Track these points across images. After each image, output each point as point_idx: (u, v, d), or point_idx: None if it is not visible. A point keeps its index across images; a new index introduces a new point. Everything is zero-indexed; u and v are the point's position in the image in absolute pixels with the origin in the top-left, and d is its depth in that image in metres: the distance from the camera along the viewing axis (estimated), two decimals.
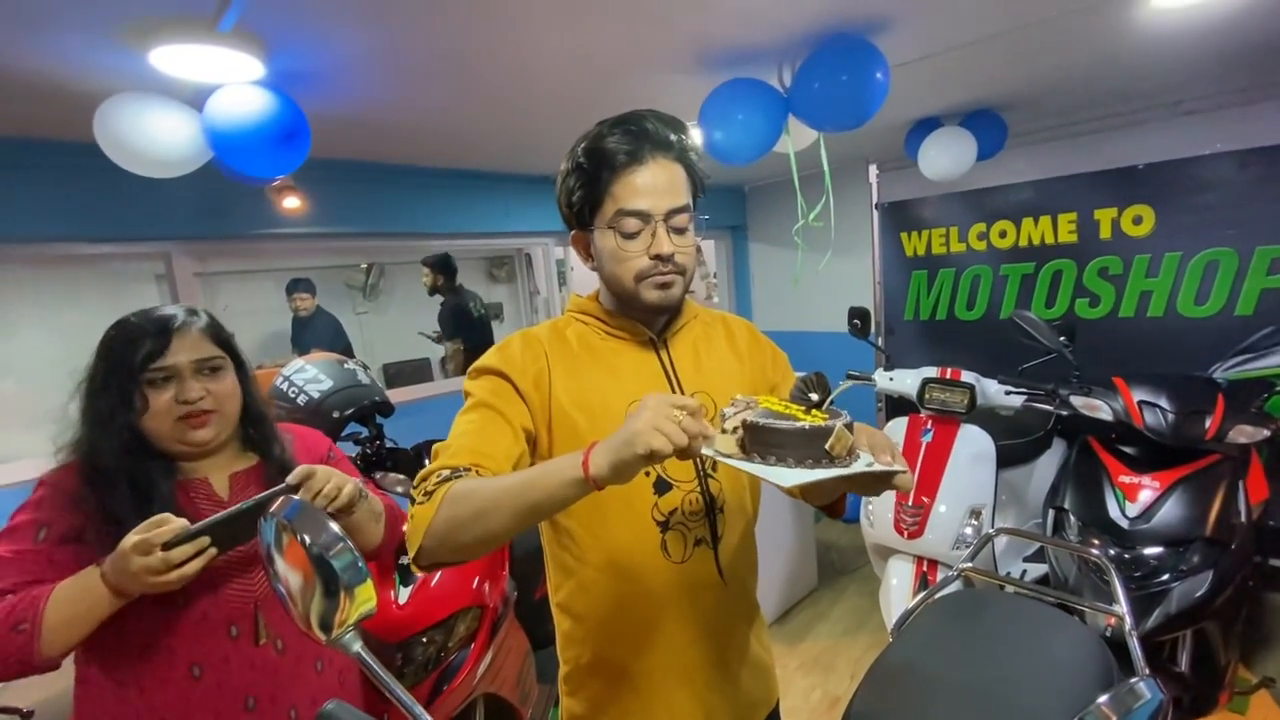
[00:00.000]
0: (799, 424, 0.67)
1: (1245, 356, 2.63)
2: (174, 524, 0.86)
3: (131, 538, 0.84)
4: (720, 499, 0.93)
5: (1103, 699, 0.56)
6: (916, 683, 1.11)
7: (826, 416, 0.70)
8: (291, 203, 2.44)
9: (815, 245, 3.67)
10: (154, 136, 1.39)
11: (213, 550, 0.88)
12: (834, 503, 0.90)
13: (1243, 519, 1.73)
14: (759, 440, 0.68)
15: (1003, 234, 3.28)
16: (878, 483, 0.69)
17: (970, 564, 1.51)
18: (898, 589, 2.19)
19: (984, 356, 2.85)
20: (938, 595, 1.38)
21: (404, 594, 1.61)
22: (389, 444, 1.86)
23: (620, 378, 0.91)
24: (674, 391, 0.92)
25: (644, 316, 0.93)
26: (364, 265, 4.95)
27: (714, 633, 0.94)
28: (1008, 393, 2.25)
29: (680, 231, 0.87)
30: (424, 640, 1.58)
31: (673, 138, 0.87)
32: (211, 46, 1.27)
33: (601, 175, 0.85)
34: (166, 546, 0.84)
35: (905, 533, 2.18)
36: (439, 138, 2.41)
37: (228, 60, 1.34)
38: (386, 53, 1.56)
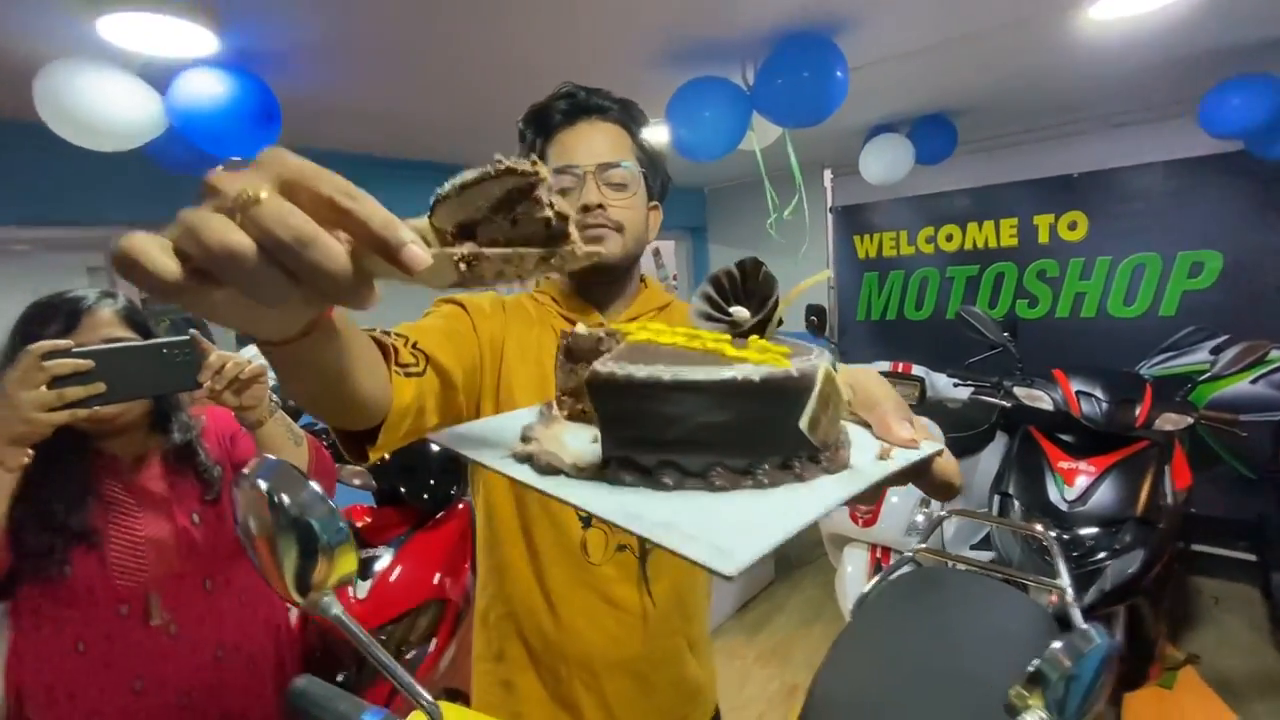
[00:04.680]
0: (725, 371, 0.31)
1: (1169, 354, 2.82)
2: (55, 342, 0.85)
3: (12, 372, 0.82)
4: None
5: (1057, 644, 0.59)
6: (876, 658, 1.14)
7: (782, 350, 0.34)
8: None
9: (776, 244, 3.76)
10: (102, 104, 1.32)
11: (101, 387, 0.85)
12: None
13: (1169, 501, 1.85)
14: (620, 421, 0.33)
15: (949, 237, 3.43)
16: (908, 478, 0.38)
17: (924, 545, 1.57)
18: (853, 575, 2.26)
19: (931, 354, 2.96)
20: (892, 576, 1.43)
21: (363, 588, 1.57)
22: None
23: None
24: None
25: (593, 298, 0.88)
26: None
27: (629, 645, 0.83)
28: (956, 385, 2.35)
29: (618, 188, 0.81)
30: (383, 636, 1.54)
31: (611, 104, 0.84)
32: (163, 16, 1.22)
33: (537, 141, 0.84)
34: (46, 359, 0.82)
35: (860, 522, 2.25)
36: (397, 126, 2.37)
37: (180, 31, 1.29)
38: (345, 34, 1.53)
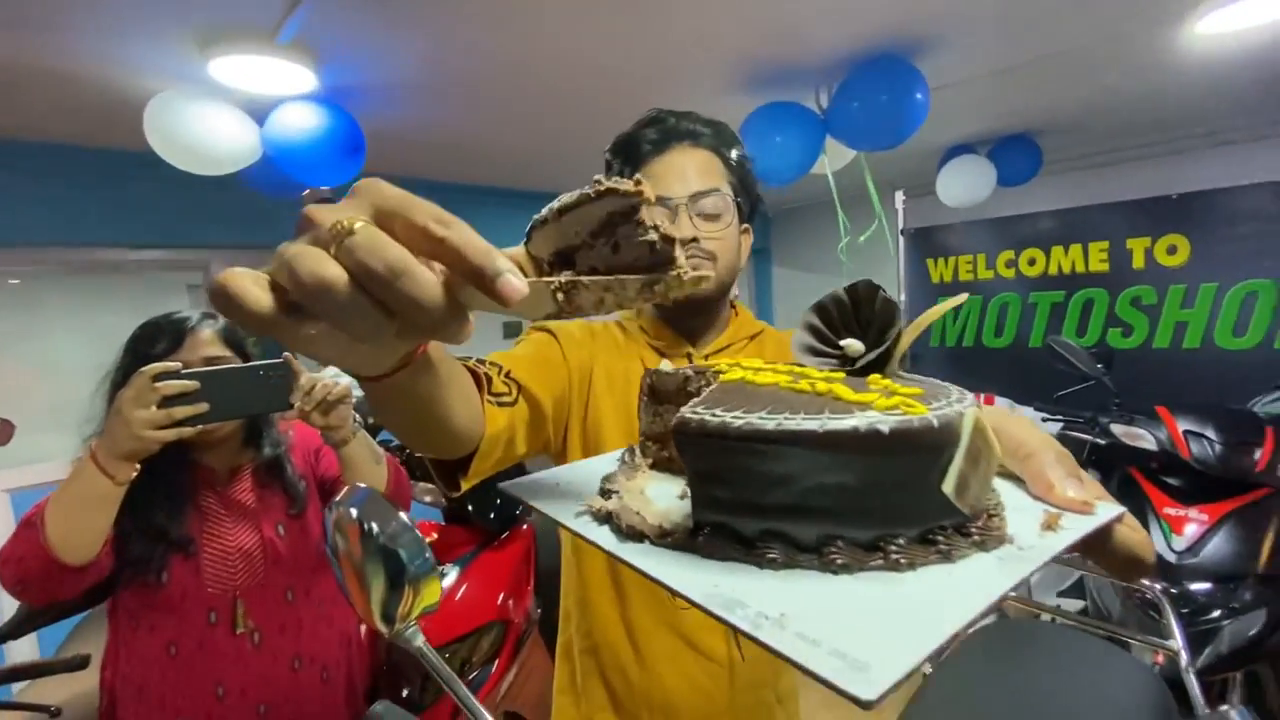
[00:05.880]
0: (844, 421, 0.24)
1: None
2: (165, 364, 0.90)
3: (127, 392, 0.87)
4: None
5: None
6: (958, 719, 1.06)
7: (912, 392, 0.28)
8: None
9: (846, 269, 3.67)
10: (204, 132, 1.43)
11: (204, 407, 0.90)
12: None
13: None
14: (713, 479, 0.27)
15: (1032, 261, 3.26)
16: (1080, 553, 0.30)
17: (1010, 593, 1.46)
18: None
19: (1013, 385, 2.80)
20: (975, 628, 1.33)
21: None
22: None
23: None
24: None
25: (683, 328, 0.86)
26: None
27: (715, 697, 0.80)
28: (1044, 419, 2.21)
29: (711, 218, 0.78)
30: (446, 655, 1.55)
31: (703, 128, 0.81)
32: (269, 58, 1.31)
33: (625, 171, 0.81)
34: (158, 380, 0.87)
35: None
36: (476, 154, 2.45)
37: (283, 71, 1.38)
38: (429, 67, 1.59)
